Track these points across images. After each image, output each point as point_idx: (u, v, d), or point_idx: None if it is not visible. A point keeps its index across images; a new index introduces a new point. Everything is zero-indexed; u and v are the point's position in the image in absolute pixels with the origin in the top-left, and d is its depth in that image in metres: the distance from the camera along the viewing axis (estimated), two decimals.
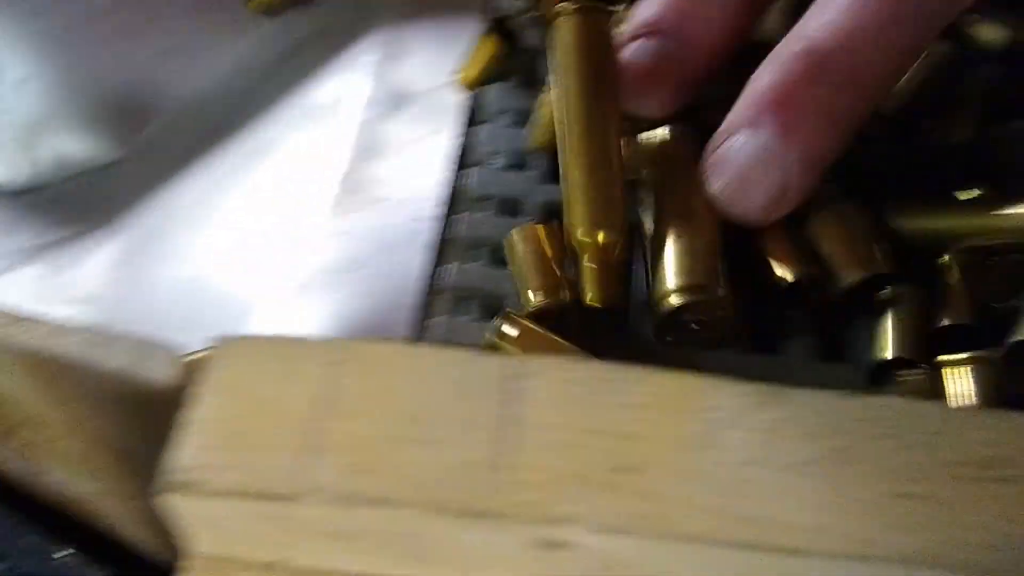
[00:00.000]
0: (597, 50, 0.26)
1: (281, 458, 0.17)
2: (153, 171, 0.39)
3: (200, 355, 0.18)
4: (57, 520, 0.28)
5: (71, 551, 0.27)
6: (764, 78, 0.24)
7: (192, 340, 0.23)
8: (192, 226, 0.35)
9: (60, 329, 0.20)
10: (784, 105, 0.23)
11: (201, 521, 0.17)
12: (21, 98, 0.42)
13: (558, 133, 0.26)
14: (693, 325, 0.25)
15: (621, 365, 0.18)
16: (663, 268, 0.25)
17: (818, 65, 0.23)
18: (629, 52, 0.27)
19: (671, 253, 0.25)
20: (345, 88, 0.36)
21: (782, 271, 0.26)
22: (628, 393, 0.17)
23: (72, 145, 0.41)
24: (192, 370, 0.18)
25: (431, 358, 0.18)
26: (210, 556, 0.18)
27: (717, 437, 0.17)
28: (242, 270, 0.32)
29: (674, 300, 0.24)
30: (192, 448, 0.17)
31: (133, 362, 0.18)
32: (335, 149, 0.34)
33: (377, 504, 0.16)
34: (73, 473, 0.25)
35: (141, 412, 0.20)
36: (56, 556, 0.27)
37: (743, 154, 0.24)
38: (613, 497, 0.16)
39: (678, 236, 0.25)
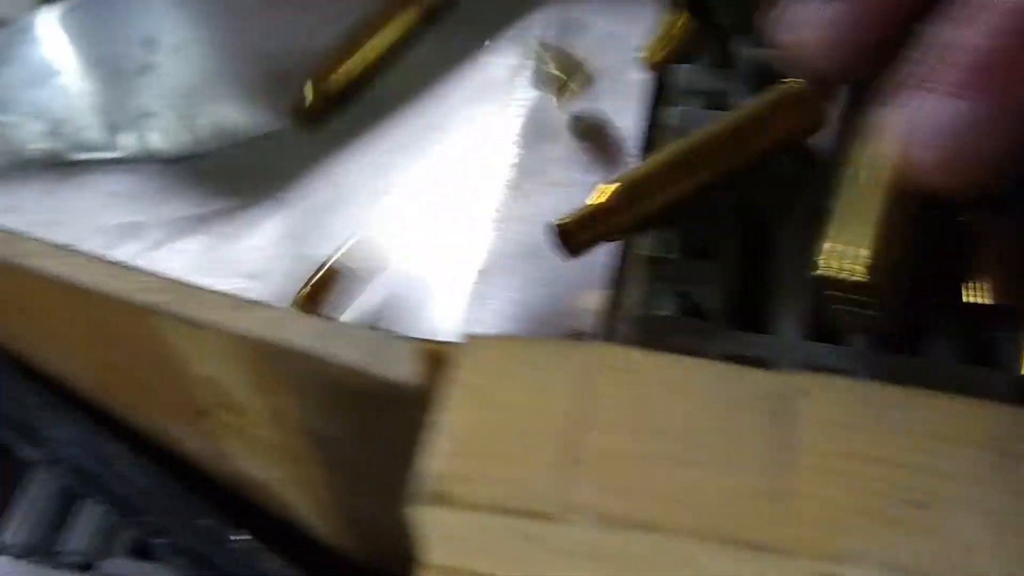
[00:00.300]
0: None
1: (537, 473, 0.15)
2: (316, 143, 0.38)
3: (434, 348, 0.17)
4: (231, 503, 0.28)
5: (247, 536, 0.27)
6: (970, 35, 0.21)
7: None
8: (362, 203, 0.34)
9: (285, 316, 0.19)
10: (998, 68, 0.21)
11: (445, 532, 0.16)
12: (178, 65, 0.41)
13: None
14: (836, 304, 0.23)
15: (904, 387, 0.16)
16: (828, 236, 0.23)
17: None
18: (807, 11, 0.25)
19: (843, 223, 0.23)
20: (516, 65, 0.35)
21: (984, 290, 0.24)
22: (914, 418, 0.16)
23: (231, 114, 0.41)
24: (432, 368, 0.17)
25: (693, 370, 0.16)
26: (446, 568, 0.17)
27: (1019, 472, 0.15)
28: (414, 251, 0.31)
29: (823, 270, 0.22)
30: (444, 457, 0.16)
31: (369, 356, 0.17)
32: (509, 129, 0.33)
33: (645, 528, 0.15)
34: (262, 459, 0.24)
35: (365, 406, 0.19)
36: (233, 539, 0.27)
37: (951, 124, 0.21)
38: (901, 534, 0.15)
39: (853, 208, 0.23)
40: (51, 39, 0.43)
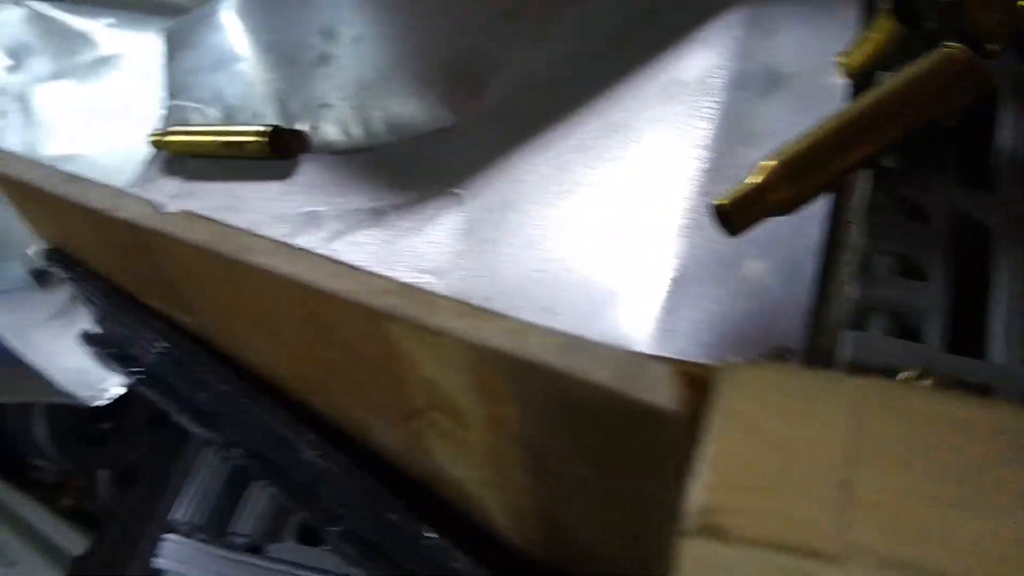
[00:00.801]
0: None
1: (814, 510, 0.15)
2: (493, 140, 0.38)
3: (691, 373, 0.17)
4: (418, 498, 0.28)
5: (436, 535, 0.27)
6: None
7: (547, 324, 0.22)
8: (543, 202, 0.33)
9: (527, 328, 0.19)
10: None
11: (713, 566, 0.15)
12: (355, 58, 0.42)
13: None
14: None
15: None
16: None
17: None
18: None
19: None
20: (707, 65, 0.34)
21: None
22: None
23: (406, 108, 0.41)
24: (689, 394, 0.17)
25: (975, 410, 0.16)
26: None
27: None
28: (602, 254, 0.31)
29: None
30: (713, 489, 0.15)
31: (621, 377, 0.17)
32: (698, 131, 0.32)
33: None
34: (465, 461, 0.24)
35: (604, 425, 0.18)
36: (425, 537, 0.27)
37: None
38: None
39: None
40: (231, 26, 0.44)
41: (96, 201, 0.27)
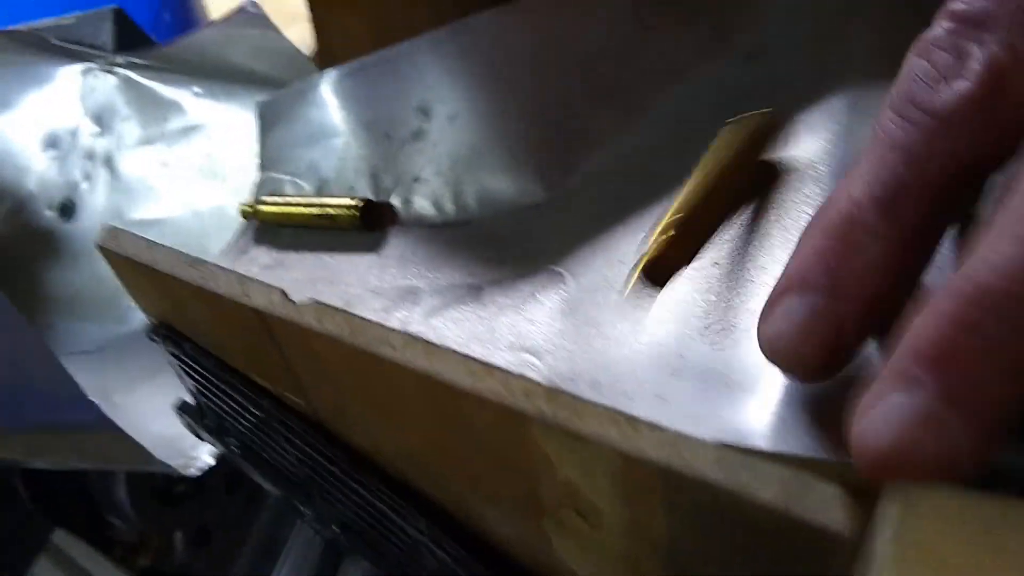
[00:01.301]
0: None
1: None
2: (589, 217, 0.38)
3: (862, 494, 0.17)
4: None
5: None
6: (922, 326, 0.19)
7: (659, 415, 0.22)
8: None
9: (681, 440, 0.19)
10: (946, 360, 0.19)
11: None
12: (449, 134, 0.43)
13: None
14: None
15: None
16: None
17: (988, 310, 0.18)
18: (779, 311, 0.24)
19: None
20: (812, 151, 0.34)
21: None
22: None
23: (499, 183, 0.41)
24: (859, 516, 0.16)
25: None
26: None
27: None
28: (714, 340, 0.31)
29: None
30: None
31: (788, 496, 0.17)
32: (806, 218, 0.32)
33: None
34: (594, 559, 0.24)
35: (762, 541, 0.18)
36: None
37: (899, 417, 0.19)
38: None
39: None
40: (327, 102, 0.44)
41: (223, 287, 0.27)
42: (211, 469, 0.46)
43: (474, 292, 0.38)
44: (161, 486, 0.56)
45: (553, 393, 0.20)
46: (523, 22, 0.41)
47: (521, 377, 0.21)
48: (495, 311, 0.37)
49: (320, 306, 0.25)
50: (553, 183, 0.40)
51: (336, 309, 0.25)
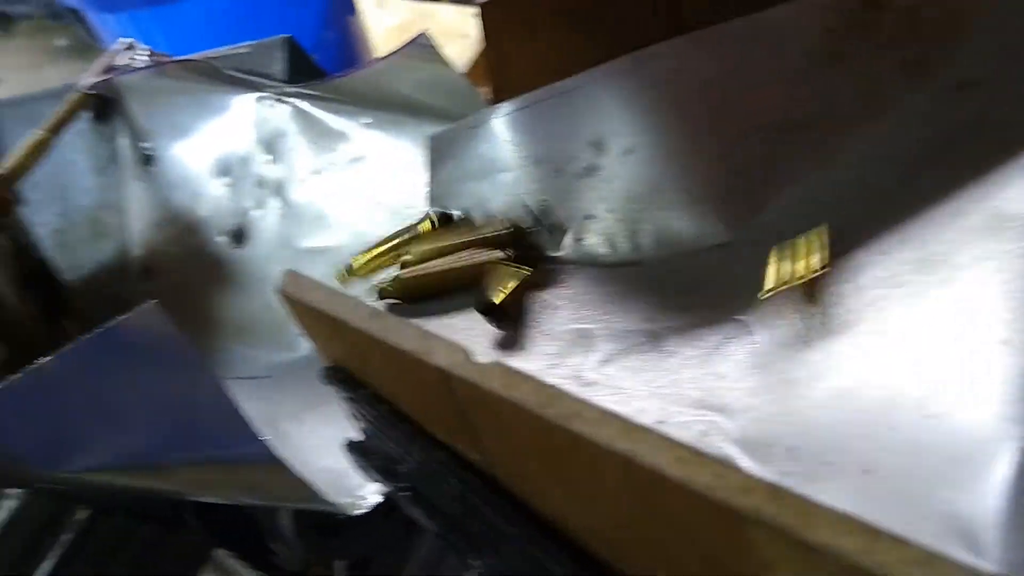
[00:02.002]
0: None
1: None
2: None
3: None
4: None
5: None
6: None
7: (866, 492, 0.19)
8: (850, 342, 0.31)
9: (935, 559, 0.16)
10: None
11: None
12: (625, 169, 0.41)
13: None
14: None
15: None
16: None
17: None
18: None
19: None
20: None
21: None
22: None
23: (677, 222, 0.39)
24: None
25: None
26: None
27: None
28: (930, 410, 0.28)
29: None
30: None
31: None
32: None
33: None
34: None
35: None
36: None
37: None
38: None
39: None
40: (498, 136, 0.43)
41: (406, 343, 0.26)
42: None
43: (653, 340, 0.36)
44: (323, 516, 0.56)
45: (776, 491, 0.18)
46: (706, 53, 0.39)
47: (731, 468, 0.19)
48: (677, 363, 0.34)
49: (506, 370, 0.24)
50: (736, 223, 0.38)
51: (523, 376, 0.23)
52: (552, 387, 0.23)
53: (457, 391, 0.26)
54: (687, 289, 0.37)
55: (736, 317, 0.34)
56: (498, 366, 0.24)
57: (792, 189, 0.37)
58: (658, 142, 0.40)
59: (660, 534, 0.23)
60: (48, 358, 0.35)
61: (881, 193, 0.34)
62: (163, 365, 0.37)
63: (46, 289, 0.64)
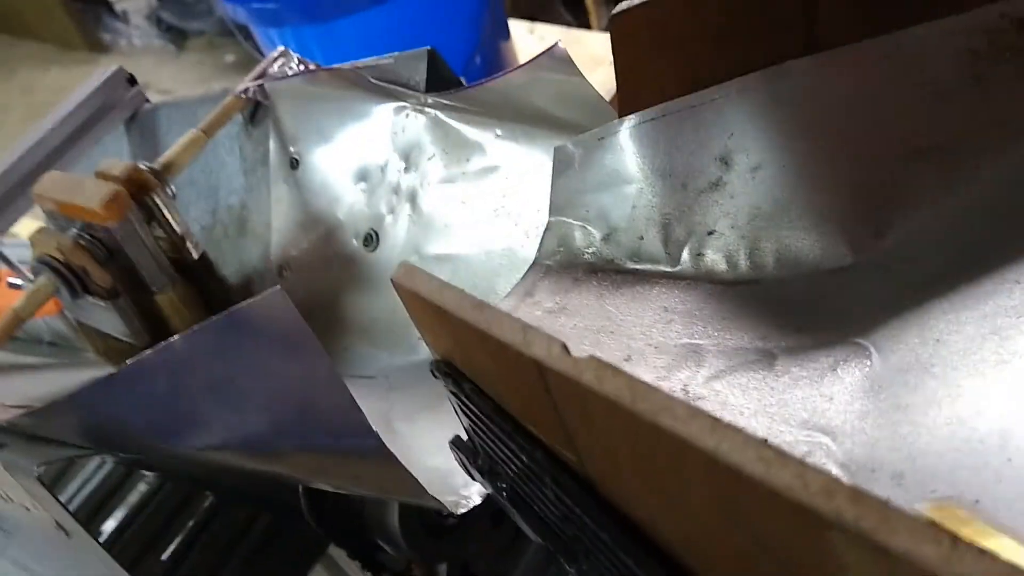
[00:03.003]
0: None
1: None
2: (899, 287, 0.34)
3: None
4: None
5: None
6: None
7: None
8: (972, 370, 0.29)
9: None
10: None
11: None
12: (750, 186, 0.40)
13: None
14: None
15: None
16: None
17: None
18: None
19: None
20: None
21: None
22: None
23: (801, 242, 0.38)
24: None
25: None
26: None
27: None
28: None
29: None
30: None
31: None
32: None
33: None
34: None
35: None
36: None
37: None
38: None
39: None
40: (625, 149, 0.43)
41: (506, 334, 0.27)
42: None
43: (765, 358, 0.35)
44: (430, 518, 0.57)
45: (858, 495, 0.18)
46: (843, 72, 0.38)
47: (820, 471, 0.18)
48: (788, 382, 0.34)
49: (600, 364, 0.24)
50: (861, 247, 0.37)
51: (617, 370, 0.23)
52: (643, 383, 0.23)
53: (552, 385, 0.26)
54: (804, 310, 0.36)
55: (854, 340, 0.33)
56: (592, 359, 0.24)
57: (920, 213, 0.36)
58: (787, 160, 0.39)
59: (740, 539, 0.22)
60: (176, 337, 0.37)
61: (1012, 220, 0.33)
62: (285, 351, 0.38)
63: (199, 280, 0.67)
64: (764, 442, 0.20)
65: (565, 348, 0.25)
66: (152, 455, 0.54)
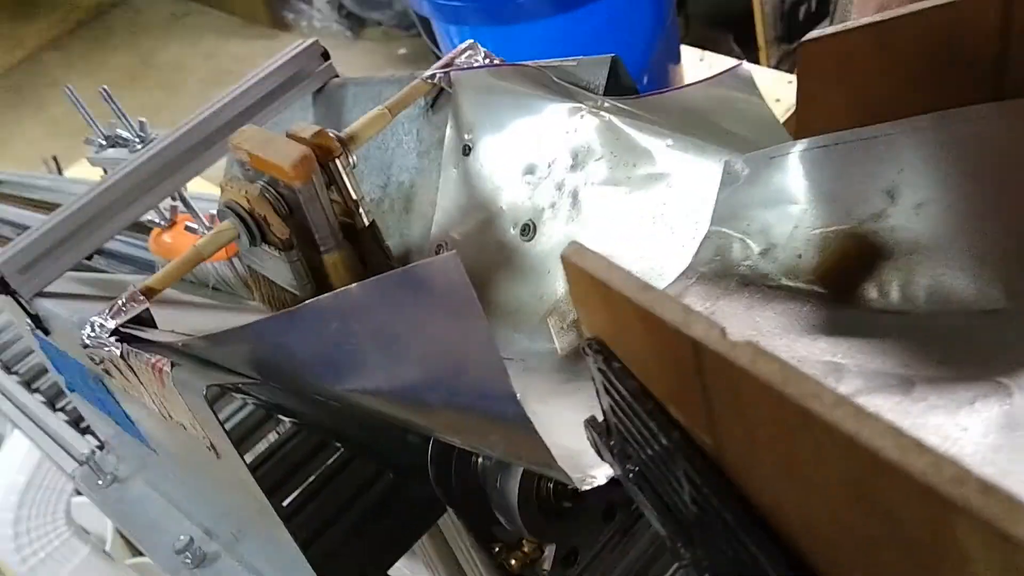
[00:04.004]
0: None
1: None
2: None
3: None
4: None
5: None
6: None
7: None
8: None
9: None
10: None
11: None
12: (914, 221, 0.41)
13: None
14: None
15: None
16: None
17: None
18: None
19: None
20: None
21: None
22: None
23: (956, 281, 0.39)
24: None
25: None
26: None
27: None
28: None
29: None
30: None
31: None
32: None
33: None
34: None
35: None
36: None
37: None
38: None
39: None
40: (794, 168, 0.45)
41: (667, 313, 0.29)
42: (598, 491, 0.48)
43: (904, 384, 0.36)
44: (547, 499, 0.60)
45: (987, 486, 0.19)
46: (1016, 123, 0.39)
47: (948, 459, 0.20)
48: (924, 408, 0.35)
49: (756, 348, 0.26)
50: (1016, 292, 0.38)
51: (772, 356, 0.25)
52: (796, 369, 0.25)
53: (706, 365, 0.29)
54: (949, 345, 0.37)
55: (996, 379, 0.34)
56: (749, 344, 0.27)
57: None
58: (952, 201, 0.40)
59: (869, 524, 0.24)
60: (355, 285, 0.40)
61: None
62: (449, 313, 0.41)
63: (362, 247, 0.72)
64: (902, 431, 0.21)
65: (723, 331, 0.27)
66: (306, 392, 0.59)
